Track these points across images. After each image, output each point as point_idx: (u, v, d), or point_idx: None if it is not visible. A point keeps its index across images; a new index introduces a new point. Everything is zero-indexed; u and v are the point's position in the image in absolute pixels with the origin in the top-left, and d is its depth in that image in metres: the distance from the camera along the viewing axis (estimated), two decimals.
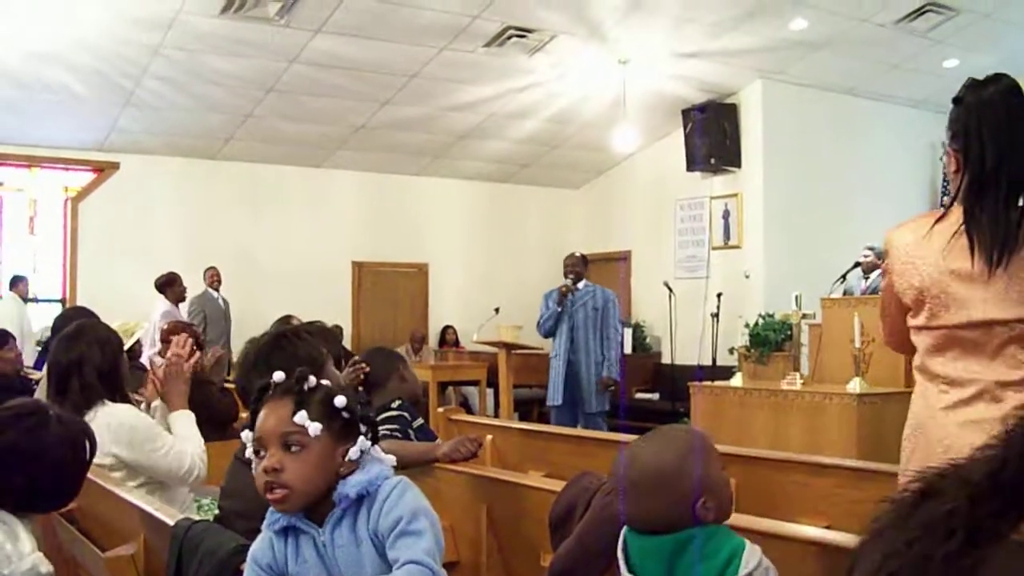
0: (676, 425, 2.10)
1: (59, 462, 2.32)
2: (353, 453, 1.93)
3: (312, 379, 1.97)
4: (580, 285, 8.19)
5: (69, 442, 2.37)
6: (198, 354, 3.83)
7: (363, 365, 4.01)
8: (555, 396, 8.22)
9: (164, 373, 3.58)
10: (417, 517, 1.88)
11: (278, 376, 1.98)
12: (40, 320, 10.14)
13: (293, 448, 1.90)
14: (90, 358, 3.45)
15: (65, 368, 3.45)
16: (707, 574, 1.83)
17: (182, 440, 3.43)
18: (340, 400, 1.95)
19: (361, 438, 1.96)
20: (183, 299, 9.97)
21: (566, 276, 8.29)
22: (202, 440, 3.50)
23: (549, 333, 8.33)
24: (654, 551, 1.88)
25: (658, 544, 1.88)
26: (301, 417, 1.90)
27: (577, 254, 8.43)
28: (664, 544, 1.87)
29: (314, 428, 1.89)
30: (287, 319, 4.81)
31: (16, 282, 10.25)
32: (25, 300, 10.34)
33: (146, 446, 3.35)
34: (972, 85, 2.37)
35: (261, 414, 1.95)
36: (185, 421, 3.52)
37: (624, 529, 1.98)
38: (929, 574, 0.79)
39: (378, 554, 1.90)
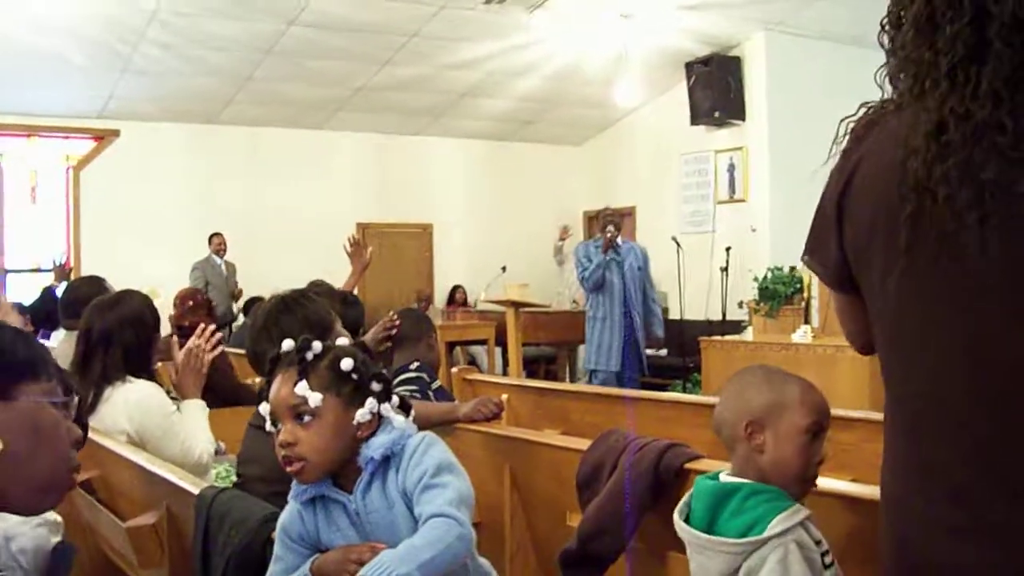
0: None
1: None
2: (361, 416, 1.89)
3: (317, 345, 1.91)
4: (620, 240, 7.99)
5: None
6: (221, 347, 3.73)
7: (396, 319, 3.99)
8: (609, 361, 7.97)
9: (182, 362, 3.48)
10: (441, 471, 1.85)
11: (285, 345, 1.93)
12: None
13: (304, 419, 1.86)
14: (119, 336, 3.39)
15: (94, 343, 3.40)
16: (734, 528, 1.84)
17: (194, 432, 3.38)
18: (347, 363, 1.89)
19: (370, 399, 1.90)
20: None
21: (605, 228, 8.04)
22: (211, 435, 3.45)
23: (597, 285, 7.98)
24: (706, 493, 1.90)
25: (711, 488, 1.90)
26: (302, 388, 1.85)
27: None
28: (714, 489, 1.90)
29: (314, 399, 1.85)
30: (319, 283, 4.73)
31: None
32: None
33: (156, 432, 3.31)
34: None
35: (272, 386, 1.91)
36: (197, 413, 3.45)
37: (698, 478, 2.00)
38: None
39: (411, 513, 1.86)
